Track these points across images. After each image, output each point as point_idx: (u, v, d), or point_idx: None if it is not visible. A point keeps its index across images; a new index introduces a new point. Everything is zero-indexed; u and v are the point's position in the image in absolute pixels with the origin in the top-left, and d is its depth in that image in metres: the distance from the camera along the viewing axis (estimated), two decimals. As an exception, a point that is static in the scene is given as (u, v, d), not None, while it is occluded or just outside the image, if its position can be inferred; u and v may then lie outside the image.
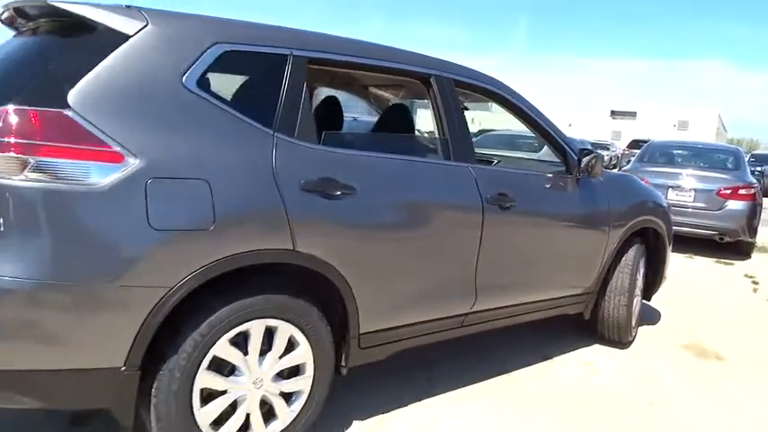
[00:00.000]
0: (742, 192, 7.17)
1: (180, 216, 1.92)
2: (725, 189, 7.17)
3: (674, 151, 8.89)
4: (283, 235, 2.12)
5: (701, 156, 8.55)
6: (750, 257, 7.56)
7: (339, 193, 2.28)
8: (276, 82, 2.25)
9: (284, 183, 2.14)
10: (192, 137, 2.00)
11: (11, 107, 1.75)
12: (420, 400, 2.89)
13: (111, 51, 1.92)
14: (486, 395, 3.02)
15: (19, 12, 2.21)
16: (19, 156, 1.73)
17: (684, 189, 7.34)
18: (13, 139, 1.73)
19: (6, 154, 1.72)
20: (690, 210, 7.19)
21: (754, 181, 7.65)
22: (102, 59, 1.89)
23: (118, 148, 1.83)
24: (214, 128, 2.06)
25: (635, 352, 3.84)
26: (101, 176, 1.80)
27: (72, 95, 1.81)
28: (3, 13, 2.30)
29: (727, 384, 3.43)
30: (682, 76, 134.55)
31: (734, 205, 7.10)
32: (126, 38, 1.96)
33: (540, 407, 2.94)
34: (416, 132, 3.17)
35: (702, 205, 7.21)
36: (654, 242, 4.04)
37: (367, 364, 2.58)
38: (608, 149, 32.01)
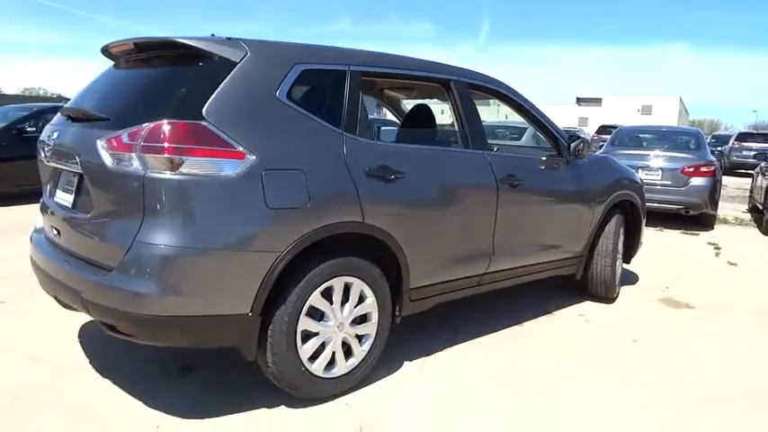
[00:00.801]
0: (703, 169, 8.00)
1: (286, 197, 2.53)
2: (688, 167, 7.98)
3: (642, 135, 9.71)
4: (356, 210, 2.75)
5: (665, 138, 9.39)
6: (713, 228, 8.41)
7: (392, 177, 2.91)
8: (340, 91, 2.87)
9: (354, 170, 2.77)
10: (287, 137, 2.62)
11: (165, 121, 2.35)
12: (451, 346, 3.55)
13: (226, 75, 2.51)
14: (503, 341, 3.70)
15: (140, 46, 2.78)
16: (173, 156, 2.32)
17: (653, 169, 8.14)
18: (168, 144, 2.32)
19: (164, 156, 2.32)
20: (658, 187, 7.98)
21: (714, 159, 8.49)
22: (221, 82, 2.49)
23: (240, 148, 2.43)
24: (301, 130, 2.68)
25: (619, 305, 4.56)
26: (230, 170, 2.40)
27: (205, 110, 2.40)
28: (116, 46, 2.89)
29: (696, 325, 4.17)
30: (644, 62, 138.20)
31: (697, 182, 7.93)
32: (234, 64, 2.56)
33: (548, 347, 3.62)
34: (439, 126, 3.82)
35: (669, 183, 8.02)
36: (631, 213, 4.75)
37: (405, 322, 3.21)
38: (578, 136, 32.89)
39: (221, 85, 2.48)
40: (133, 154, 2.35)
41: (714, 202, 8.20)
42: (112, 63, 3.14)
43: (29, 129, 8.49)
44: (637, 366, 3.38)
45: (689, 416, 2.82)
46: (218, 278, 2.41)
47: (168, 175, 2.32)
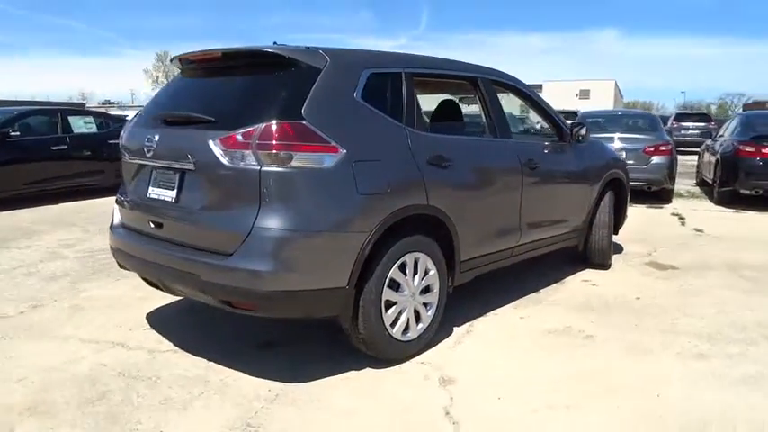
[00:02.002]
0: (662, 148, 8.79)
1: (372, 184, 2.93)
2: (649, 147, 8.76)
3: (602, 119, 10.48)
4: (422, 194, 3.18)
5: (624, 122, 10.18)
6: (671, 201, 9.26)
7: (445, 164, 3.35)
8: (399, 91, 3.29)
9: (418, 159, 3.19)
10: (366, 132, 3.01)
11: (274, 122, 2.70)
12: (488, 313, 4.03)
13: (314, 80, 2.88)
14: (529, 304, 4.22)
15: (229, 55, 3.11)
16: (284, 152, 2.69)
17: (617, 150, 8.86)
18: (280, 142, 2.69)
19: (278, 152, 2.68)
20: None
21: (670, 139, 9.33)
22: (311, 87, 2.86)
23: (333, 143, 2.81)
24: (375, 125, 3.09)
25: (615, 270, 5.17)
26: (329, 162, 2.79)
27: (303, 112, 2.77)
28: (201, 55, 3.20)
29: (683, 280, 4.82)
30: (580, 48, 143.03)
31: (657, 160, 8.71)
32: (319, 71, 2.93)
33: (570, 307, 4.16)
34: (466, 119, 4.28)
35: (632, 162, 8.73)
36: (619, 189, 5.36)
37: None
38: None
39: (312, 90, 2.85)
40: (248, 151, 2.70)
41: (672, 178, 9.03)
42: (182, 70, 3.45)
43: (12, 133, 8.41)
44: (648, 317, 3.96)
45: (701, 350, 3.40)
46: (322, 256, 2.80)
47: (281, 168, 2.69)
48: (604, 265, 5.17)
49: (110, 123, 9.99)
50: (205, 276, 2.80)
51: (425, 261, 3.29)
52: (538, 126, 5.51)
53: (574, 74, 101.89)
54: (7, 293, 4.47)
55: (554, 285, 4.71)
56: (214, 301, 2.89)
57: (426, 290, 3.35)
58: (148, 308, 4.10)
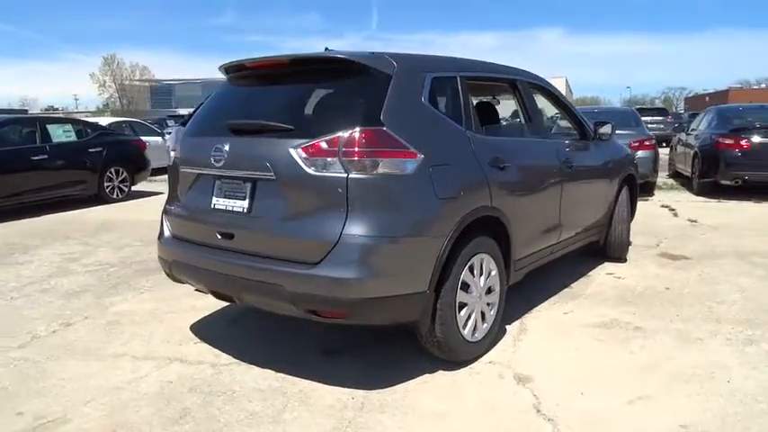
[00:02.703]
0: (647, 143, 9.11)
1: (447, 188, 2.95)
2: (634, 142, 9.04)
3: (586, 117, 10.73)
4: (487, 195, 3.21)
5: (610, 118, 10.42)
6: (654, 194, 9.59)
7: (502, 165, 3.39)
8: (457, 94, 3.31)
9: (481, 161, 3.22)
10: (436, 136, 3.03)
11: (358, 129, 2.68)
12: (532, 310, 4.10)
13: (387, 86, 2.87)
14: (568, 300, 4.31)
15: (298, 62, 3.06)
16: (371, 159, 2.67)
17: None
18: (367, 149, 2.67)
19: (365, 159, 2.66)
20: None
21: (652, 134, 9.67)
22: (386, 92, 2.84)
23: (412, 149, 2.81)
24: (443, 129, 3.10)
25: (632, 262, 5.32)
26: (410, 168, 2.78)
27: (382, 118, 2.76)
28: (263, 62, 3.15)
29: (700, 269, 5.01)
30: (530, 46, 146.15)
31: (643, 154, 8.99)
32: (390, 77, 2.92)
33: (607, 301, 4.27)
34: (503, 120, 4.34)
35: None
36: (631, 185, 5.52)
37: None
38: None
39: (387, 96, 2.84)
40: (334, 159, 2.67)
41: (656, 171, 9.36)
42: (235, 77, 3.39)
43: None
44: (684, 306, 4.11)
45: (747, 336, 3.56)
46: (407, 261, 2.80)
47: (367, 175, 2.67)
48: (622, 258, 5.32)
49: (89, 131, 9.64)
50: (290, 287, 2.75)
51: (489, 262, 3.32)
52: (563, 125, 5.61)
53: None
54: (29, 312, 4.28)
55: (582, 280, 4.82)
56: (298, 312, 2.84)
57: (489, 290, 3.39)
58: (187, 321, 4.01)
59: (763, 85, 70.31)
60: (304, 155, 2.73)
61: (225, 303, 4.23)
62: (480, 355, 3.32)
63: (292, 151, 2.75)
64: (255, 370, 3.22)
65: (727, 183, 8.83)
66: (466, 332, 3.17)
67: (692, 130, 10.73)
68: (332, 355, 3.43)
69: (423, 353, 3.25)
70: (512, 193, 3.49)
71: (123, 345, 3.64)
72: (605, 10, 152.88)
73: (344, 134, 2.68)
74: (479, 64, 3.75)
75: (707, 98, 61.24)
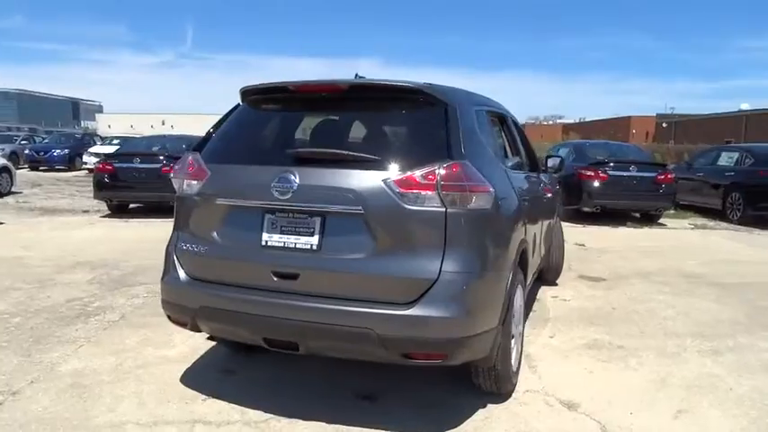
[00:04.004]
0: None
1: (509, 222, 3.00)
2: None
3: None
4: (523, 228, 3.32)
5: None
6: None
7: (524, 199, 3.54)
8: (492, 128, 3.40)
9: (517, 195, 3.33)
10: (494, 171, 3.05)
11: (453, 162, 2.61)
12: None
13: (455, 118, 2.83)
14: (540, 324, 4.56)
15: (359, 88, 2.87)
16: (468, 194, 2.62)
17: None
18: (465, 183, 2.62)
19: (464, 193, 2.60)
20: None
21: None
22: (456, 124, 2.80)
23: (488, 183, 2.81)
24: (494, 163, 3.14)
25: (564, 285, 5.81)
26: (490, 202, 2.78)
27: (463, 151, 2.72)
28: (317, 87, 2.92)
29: (623, 290, 5.65)
30: (347, 73, 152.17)
31: None
32: (454, 108, 2.89)
33: (574, 322, 4.61)
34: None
35: None
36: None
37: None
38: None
39: (459, 129, 2.81)
40: (431, 193, 2.56)
41: None
42: (267, 100, 3.10)
43: None
44: (641, 324, 4.60)
45: (710, 347, 4.09)
46: (492, 296, 2.77)
47: (463, 210, 2.61)
48: (554, 281, 5.78)
49: None
50: (382, 330, 2.55)
51: (520, 291, 3.41)
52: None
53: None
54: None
55: (536, 304, 5.14)
56: (386, 356, 2.64)
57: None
58: (171, 375, 3.49)
59: (551, 122, 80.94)
60: (398, 189, 2.58)
61: (200, 351, 3.84)
62: (515, 385, 3.38)
63: (384, 184, 2.58)
64: (300, 424, 2.91)
65: (589, 209, 10.04)
66: (513, 362, 3.21)
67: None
68: (371, 399, 3.22)
69: (457, 388, 3.26)
70: (530, 226, 3.64)
71: (112, 411, 3.04)
72: (419, 47, 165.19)
73: (440, 168, 2.59)
74: (486, 98, 3.86)
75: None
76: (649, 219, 10.62)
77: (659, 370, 3.69)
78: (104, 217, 10.39)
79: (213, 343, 3.96)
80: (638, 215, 11.08)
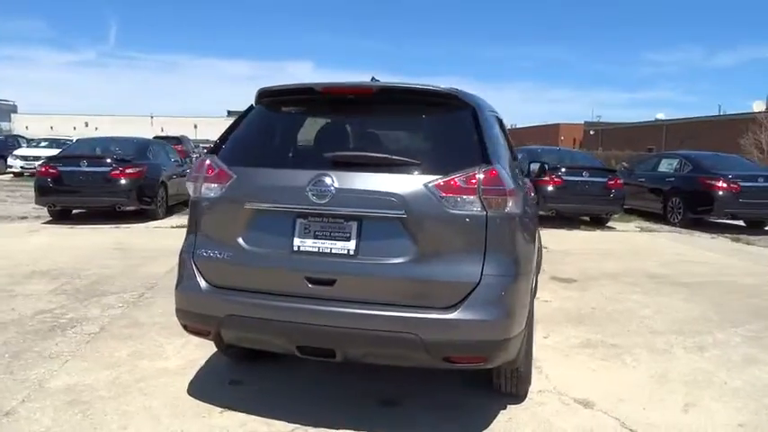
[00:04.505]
0: None
1: (531, 225, 3.08)
2: None
3: None
4: (537, 225, 3.39)
5: None
6: None
7: (532, 203, 3.62)
8: (503, 132, 3.45)
9: (528, 199, 3.40)
10: (516, 176, 3.10)
11: (492, 167, 2.63)
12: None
13: (480, 122, 2.85)
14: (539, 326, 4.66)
15: (387, 90, 2.84)
16: (501, 197, 2.64)
17: None
18: (504, 187, 2.64)
19: (504, 197, 2.63)
20: None
21: None
22: (482, 129, 2.82)
23: (517, 187, 2.85)
24: (514, 168, 3.19)
25: (539, 287, 5.94)
26: (521, 206, 2.82)
27: (492, 156, 2.74)
28: (344, 89, 2.87)
29: (597, 290, 5.86)
30: (280, 76, 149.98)
31: None
32: (477, 113, 2.90)
33: (560, 323, 4.73)
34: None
35: None
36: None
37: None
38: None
39: (486, 133, 2.83)
40: (473, 197, 2.58)
41: None
42: (287, 102, 3.03)
43: None
44: (624, 323, 4.78)
45: (693, 343, 4.31)
46: (523, 299, 2.81)
47: (501, 213, 2.64)
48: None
49: None
50: (426, 334, 2.53)
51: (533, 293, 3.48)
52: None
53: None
54: None
55: (521, 305, 5.25)
56: (429, 361, 2.62)
57: (527, 321, 3.54)
58: (176, 387, 3.34)
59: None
60: (441, 193, 2.58)
61: (198, 362, 3.71)
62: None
63: (426, 188, 2.57)
64: (331, 433, 2.85)
65: (544, 213, 10.36)
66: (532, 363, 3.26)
67: None
68: (393, 405, 3.19)
69: (474, 390, 3.30)
70: (539, 227, 3.72)
71: (124, 428, 2.87)
72: (351, 51, 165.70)
73: (480, 172, 2.61)
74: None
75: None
76: (599, 222, 11.07)
77: (656, 366, 3.85)
78: (47, 223, 9.77)
79: (209, 354, 3.81)
80: (587, 218, 11.55)
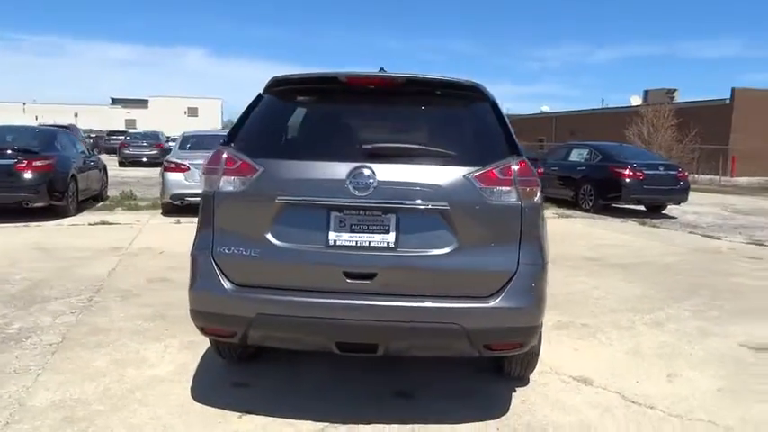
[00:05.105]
0: None
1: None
2: None
3: (203, 139, 11.09)
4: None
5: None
6: None
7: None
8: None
9: None
10: None
11: (524, 158, 2.71)
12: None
13: (500, 114, 2.93)
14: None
15: (415, 82, 2.83)
16: (533, 188, 2.73)
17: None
18: (533, 178, 2.72)
19: (534, 188, 2.71)
20: None
21: None
22: (503, 120, 2.91)
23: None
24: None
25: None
26: (541, 196, 2.91)
27: (520, 148, 2.84)
28: (374, 79, 2.83)
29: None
30: (170, 62, 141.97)
31: None
32: (493, 103, 2.98)
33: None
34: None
35: None
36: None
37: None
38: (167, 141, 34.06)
39: (507, 124, 2.92)
40: (510, 188, 2.65)
41: None
42: (304, 91, 2.95)
43: None
44: (584, 305, 5.11)
45: (652, 319, 4.69)
46: (546, 286, 2.92)
47: (531, 203, 2.73)
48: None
49: None
50: (469, 323, 2.58)
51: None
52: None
53: (180, 90, 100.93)
54: None
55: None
56: (470, 350, 2.65)
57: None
58: (177, 395, 3.17)
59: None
60: (480, 184, 2.62)
61: (189, 366, 3.54)
62: (530, 365, 3.58)
63: (467, 179, 2.60)
64: (362, 428, 2.82)
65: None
66: (537, 348, 3.41)
67: None
68: (408, 397, 3.21)
69: (481, 376, 3.44)
70: None
71: (142, 442, 2.67)
72: (247, 39, 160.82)
73: (513, 164, 2.68)
74: None
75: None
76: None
77: (627, 342, 4.16)
78: (-62, 223, 8.70)
79: (197, 357, 3.65)
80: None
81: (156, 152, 25.02)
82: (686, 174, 12.83)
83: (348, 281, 2.63)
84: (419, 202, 2.63)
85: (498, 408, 3.08)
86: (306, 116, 3.02)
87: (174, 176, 9.80)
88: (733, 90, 28.56)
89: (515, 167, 2.68)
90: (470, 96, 2.93)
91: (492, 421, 2.94)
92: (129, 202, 11.59)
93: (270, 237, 2.68)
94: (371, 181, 2.60)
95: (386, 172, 2.63)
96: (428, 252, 2.63)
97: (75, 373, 3.40)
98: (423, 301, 2.60)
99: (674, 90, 36.17)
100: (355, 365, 3.47)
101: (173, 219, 9.52)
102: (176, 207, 9.85)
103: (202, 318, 2.79)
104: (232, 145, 2.83)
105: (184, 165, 9.80)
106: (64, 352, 3.71)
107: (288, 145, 2.85)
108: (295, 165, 2.70)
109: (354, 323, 2.60)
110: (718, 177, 24.60)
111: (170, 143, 30.84)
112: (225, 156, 2.78)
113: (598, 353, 3.95)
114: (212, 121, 67.07)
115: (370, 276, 2.62)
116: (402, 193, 2.63)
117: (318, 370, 3.48)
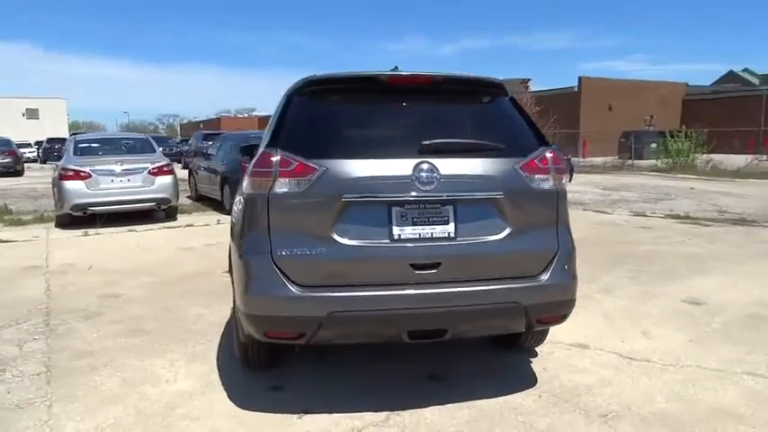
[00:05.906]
0: (165, 169, 9.59)
1: None
2: (153, 168, 9.46)
3: (100, 144, 10.58)
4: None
5: (124, 145, 10.56)
6: (177, 218, 10.13)
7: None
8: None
9: None
10: None
11: (553, 148, 3.00)
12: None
13: (518, 107, 3.20)
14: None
15: (450, 80, 3.02)
16: (562, 175, 3.03)
17: (117, 173, 9.21)
18: (562, 166, 3.02)
19: (562, 174, 3.02)
20: (129, 189, 9.26)
21: (169, 160, 10.15)
22: (524, 112, 3.18)
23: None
24: None
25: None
26: (565, 182, 3.21)
27: (545, 138, 3.13)
28: (406, 78, 2.98)
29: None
30: (12, 62, 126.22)
31: (163, 180, 9.50)
32: (513, 98, 3.25)
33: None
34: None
35: (140, 184, 9.33)
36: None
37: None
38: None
39: (530, 117, 3.21)
40: (547, 176, 2.94)
41: (177, 195, 9.97)
42: (342, 90, 3.06)
43: None
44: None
45: (594, 286, 5.26)
46: None
47: (562, 188, 3.05)
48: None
49: None
50: (526, 300, 2.82)
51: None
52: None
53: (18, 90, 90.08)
54: None
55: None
56: (525, 325, 2.91)
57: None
58: (215, 404, 3.14)
59: (246, 115, 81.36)
60: (525, 173, 2.87)
61: (210, 377, 3.46)
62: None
63: (515, 169, 2.84)
64: (424, 411, 2.97)
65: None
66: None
67: (212, 156, 11.66)
68: (441, 379, 3.39)
69: (495, 351, 3.74)
70: None
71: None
72: (83, 32, 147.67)
73: (548, 153, 2.96)
74: None
75: (201, 125, 67.02)
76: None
77: (596, 309, 4.66)
78: None
79: (212, 366, 3.59)
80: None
81: (10, 160, 22.35)
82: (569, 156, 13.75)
83: (416, 272, 2.75)
84: (476, 192, 2.84)
85: (528, 378, 3.38)
86: (352, 115, 3.05)
87: (73, 185, 8.93)
88: (580, 79, 31.82)
89: (550, 156, 2.97)
90: (495, 92, 3.17)
91: (531, 389, 3.22)
92: (7, 217, 10.37)
93: (335, 235, 2.73)
94: (435, 175, 2.76)
95: (447, 166, 2.80)
96: (485, 239, 2.84)
97: (89, 398, 3.17)
98: (485, 285, 2.81)
99: (528, 80, 39.26)
100: (372, 354, 3.61)
101: (79, 231, 8.73)
102: (75, 218, 9.03)
103: (265, 322, 2.76)
104: (278, 147, 2.81)
105: (85, 172, 9.01)
106: (62, 379, 3.42)
107: (343, 144, 2.88)
108: (358, 164, 2.76)
109: (426, 311, 2.74)
110: (577, 159, 27.27)
111: (23, 150, 27.81)
112: (278, 158, 2.76)
113: (579, 321, 4.33)
114: (56, 122, 61.04)
115: (435, 266, 2.78)
116: (462, 185, 2.83)
117: (342, 367, 3.55)
